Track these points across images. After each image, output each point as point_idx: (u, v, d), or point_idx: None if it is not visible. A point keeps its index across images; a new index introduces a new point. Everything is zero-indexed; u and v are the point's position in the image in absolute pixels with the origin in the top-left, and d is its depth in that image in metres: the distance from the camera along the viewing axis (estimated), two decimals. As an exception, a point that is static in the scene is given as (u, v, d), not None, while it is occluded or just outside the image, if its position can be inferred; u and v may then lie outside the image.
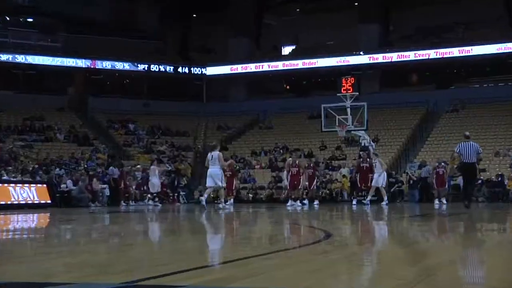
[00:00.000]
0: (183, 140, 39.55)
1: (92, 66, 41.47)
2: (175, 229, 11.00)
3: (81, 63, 41.28)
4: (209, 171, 18.51)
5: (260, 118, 42.90)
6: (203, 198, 18.79)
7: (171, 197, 28.57)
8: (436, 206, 20.49)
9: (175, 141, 38.95)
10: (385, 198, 22.24)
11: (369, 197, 22.13)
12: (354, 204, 22.20)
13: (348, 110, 26.32)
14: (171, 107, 42.83)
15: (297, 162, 22.31)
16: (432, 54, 39.06)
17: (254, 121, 42.99)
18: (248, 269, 4.95)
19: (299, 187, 21.84)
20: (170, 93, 45.18)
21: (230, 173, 23.62)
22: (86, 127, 39.53)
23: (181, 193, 29.85)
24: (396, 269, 4.89)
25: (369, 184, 22.64)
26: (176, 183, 30.12)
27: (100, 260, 5.65)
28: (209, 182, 18.57)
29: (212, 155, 18.51)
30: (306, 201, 22.82)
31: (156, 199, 24.79)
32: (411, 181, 28.03)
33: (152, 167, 24.87)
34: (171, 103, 43.51)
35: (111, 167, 26.44)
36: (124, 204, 25.42)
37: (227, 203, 20.45)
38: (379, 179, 22.18)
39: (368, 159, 23.38)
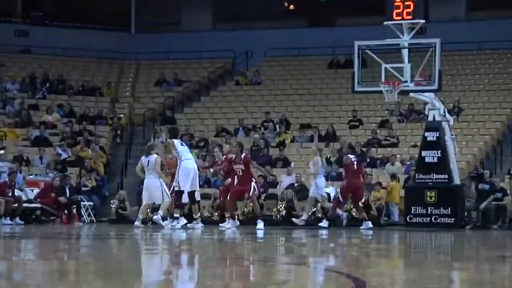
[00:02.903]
0: (91, 104, 39.36)
1: None
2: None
3: None
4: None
5: (238, 64, 42.85)
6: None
7: (64, 212, 28.55)
8: None
9: (76, 105, 38.78)
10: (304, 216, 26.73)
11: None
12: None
13: (405, 52, 26.41)
14: (70, 39, 42.60)
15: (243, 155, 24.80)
16: None
17: (227, 71, 42.95)
18: None
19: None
20: (67, 15, 44.91)
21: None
22: None
23: (84, 203, 29.61)
24: None
25: None
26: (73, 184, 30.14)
27: None
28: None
29: (148, 160, 23.99)
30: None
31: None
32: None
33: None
34: (68, 32, 43.30)
35: None
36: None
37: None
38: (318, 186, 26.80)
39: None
